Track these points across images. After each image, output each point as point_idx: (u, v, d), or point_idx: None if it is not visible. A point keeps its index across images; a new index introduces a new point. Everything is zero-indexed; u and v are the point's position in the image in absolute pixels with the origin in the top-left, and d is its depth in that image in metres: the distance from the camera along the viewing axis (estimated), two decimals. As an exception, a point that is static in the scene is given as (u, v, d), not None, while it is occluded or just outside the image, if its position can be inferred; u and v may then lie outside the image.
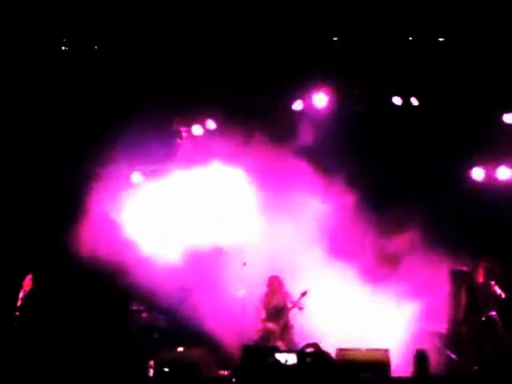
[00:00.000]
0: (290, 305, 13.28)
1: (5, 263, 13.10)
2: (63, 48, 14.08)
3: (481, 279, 12.86)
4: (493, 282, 12.72)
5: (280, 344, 12.82)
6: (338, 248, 13.52)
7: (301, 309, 13.24)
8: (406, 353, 11.40)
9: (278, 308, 13.37)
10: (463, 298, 12.85)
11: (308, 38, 13.62)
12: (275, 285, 13.51)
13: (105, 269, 12.12)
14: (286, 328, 13.27)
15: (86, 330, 11.49)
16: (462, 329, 12.66)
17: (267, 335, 13.08)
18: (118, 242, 13.80)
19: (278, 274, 13.59)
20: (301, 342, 12.40)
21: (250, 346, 9.96)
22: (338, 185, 14.03)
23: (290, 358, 10.41)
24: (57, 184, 14.49)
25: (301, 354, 10.49)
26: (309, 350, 10.80)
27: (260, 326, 13.24)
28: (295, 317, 13.31)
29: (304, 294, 13.22)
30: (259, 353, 9.38)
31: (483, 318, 12.56)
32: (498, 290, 12.65)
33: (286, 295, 13.46)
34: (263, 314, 13.39)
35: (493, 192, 13.69)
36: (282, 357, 10.32)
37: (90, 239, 13.07)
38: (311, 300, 13.27)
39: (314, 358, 9.87)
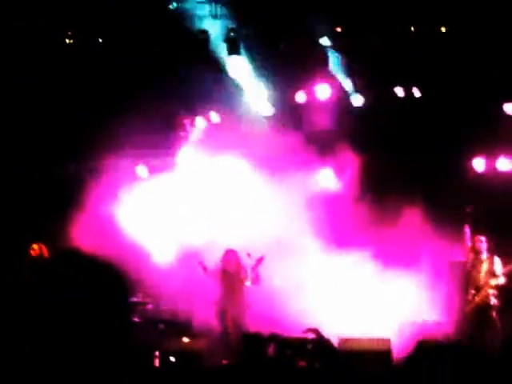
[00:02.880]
0: (244, 278, 12.91)
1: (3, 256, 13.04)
2: (68, 41, 14.06)
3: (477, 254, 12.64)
4: (495, 257, 12.54)
5: (231, 325, 12.69)
6: (341, 236, 13.44)
7: (256, 281, 12.91)
8: (408, 343, 11.36)
9: (232, 283, 12.98)
10: (464, 275, 12.73)
11: (311, 28, 13.61)
12: (230, 259, 13.06)
13: (106, 262, 11.99)
14: (239, 306, 12.91)
15: (86, 323, 11.41)
16: (466, 307, 12.56)
17: (223, 315, 12.89)
18: (119, 235, 13.82)
19: (283, 262, 13.46)
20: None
21: (249, 335, 9.96)
22: (340, 173, 14.11)
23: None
24: (59, 176, 14.52)
25: (301, 340, 10.42)
26: (309, 335, 10.70)
27: (216, 306, 13.00)
28: (253, 294, 12.99)
29: (260, 260, 12.86)
30: (259, 341, 9.34)
31: (479, 299, 12.48)
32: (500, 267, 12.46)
33: (241, 270, 13.03)
34: (219, 293, 13.06)
35: (493, 182, 13.72)
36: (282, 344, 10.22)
37: (90, 232, 13.04)
38: (314, 287, 13.24)
39: (315, 345, 9.81)
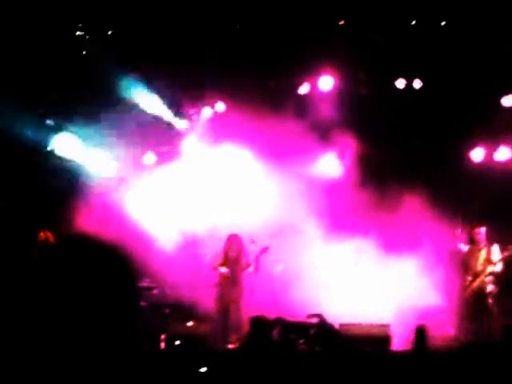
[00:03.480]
0: (245, 264, 12.95)
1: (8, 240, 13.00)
2: (78, 33, 14.04)
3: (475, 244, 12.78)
4: (493, 245, 12.63)
5: (231, 310, 12.74)
6: (343, 222, 13.51)
7: (256, 270, 12.95)
8: (407, 328, 11.40)
9: (233, 267, 12.98)
10: (462, 263, 12.82)
11: (314, 22, 13.57)
12: (233, 244, 13.08)
13: (115, 247, 11.88)
14: (239, 291, 12.94)
15: (95, 307, 11.32)
16: (463, 294, 12.67)
17: (222, 299, 12.89)
18: (126, 222, 13.87)
19: (286, 248, 13.50)
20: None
21: (256, 318, 10.03)
22: (342, 161, 14.21)
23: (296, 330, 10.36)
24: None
25: (304, 324, 10.44)
26: (313, 320, 10.71)
27: (216, 290, 13.02)
28: (257, 280, 13.01)
29: (264, 250, 12.92)
30: (265, 325, 9.41)
31: (476, 285, 12.56)
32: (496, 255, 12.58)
33: (242, 255, 13.07)
34: (218, 264, 13.08)
35: (491, 172, 13.81)
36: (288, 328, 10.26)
37: (97, 218, 13.07)
38: (316, 273, 13.28)
39: (318, 329, 9.85)
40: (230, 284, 12.94)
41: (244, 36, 13.78)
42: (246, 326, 10.97)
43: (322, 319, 10.64)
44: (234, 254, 13.03)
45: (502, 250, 12.56)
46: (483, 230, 12.65)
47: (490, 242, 12.66)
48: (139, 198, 14.50)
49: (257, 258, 12.99)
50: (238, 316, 12.65)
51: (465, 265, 12.73)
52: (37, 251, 12.01)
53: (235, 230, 13.30)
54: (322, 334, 9.67)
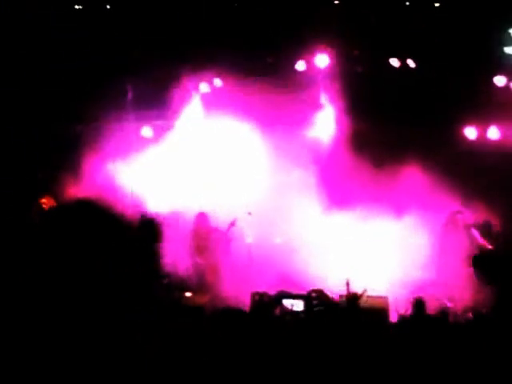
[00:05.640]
0: (218, 238, 12.89)
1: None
2: (77, 7, 13.77)
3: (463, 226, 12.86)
4: (473, 230, 12.72)
5: (211, 280, 12.63)
6: (339, 197, 13.34)
7: (228, 242, 12.88)
8: (404, 300, 11.12)
9: (202, 243, 12.96)
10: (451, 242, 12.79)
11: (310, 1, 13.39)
12: (201, 221, 13.10)
13: (119, 215, 11.83)
14: (215, 264, 12.82)
15: (97, 275, 11.13)
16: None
17: (197, 270, 12.78)
18: (121, 194, 13.53)
19: (282, 223, 13.28)
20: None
21: (257, 293, 9.79)
22: (339, 140, 13.93)
23: (296, 304, 10.15)
24: (67, 136, 14.10)
25: (307, 299, 10.24)
26: (313, 295, 10.52)
27: (189, 262, 12.88)
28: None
29: (232, 223, 12.92)
30: (267, 299, 9.21)
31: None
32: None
33: (211, 231, 13.07)
34: (191, 251, 12.98)
35: (484, 150, 13.57)
36: (288, 303, 10.05)
37: (93, 190, 12.71)
38: (312, 247, 13.01)
39: (320, 304, 9.72)
40: (203, 259, 12.86)
41: (242, 15, 13.59)
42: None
43: (322, 294, 10.44)
44: (203, 230, 13.04)
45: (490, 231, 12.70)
46: (464, 212, 12.74)
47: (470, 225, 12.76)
48: (135, 171, 14.14)
49: (226, 232, 12.93)
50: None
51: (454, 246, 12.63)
52: (38, 216, 11.80)
53: (232, 205, 13.06)
54: (323, 307, 9.56)
